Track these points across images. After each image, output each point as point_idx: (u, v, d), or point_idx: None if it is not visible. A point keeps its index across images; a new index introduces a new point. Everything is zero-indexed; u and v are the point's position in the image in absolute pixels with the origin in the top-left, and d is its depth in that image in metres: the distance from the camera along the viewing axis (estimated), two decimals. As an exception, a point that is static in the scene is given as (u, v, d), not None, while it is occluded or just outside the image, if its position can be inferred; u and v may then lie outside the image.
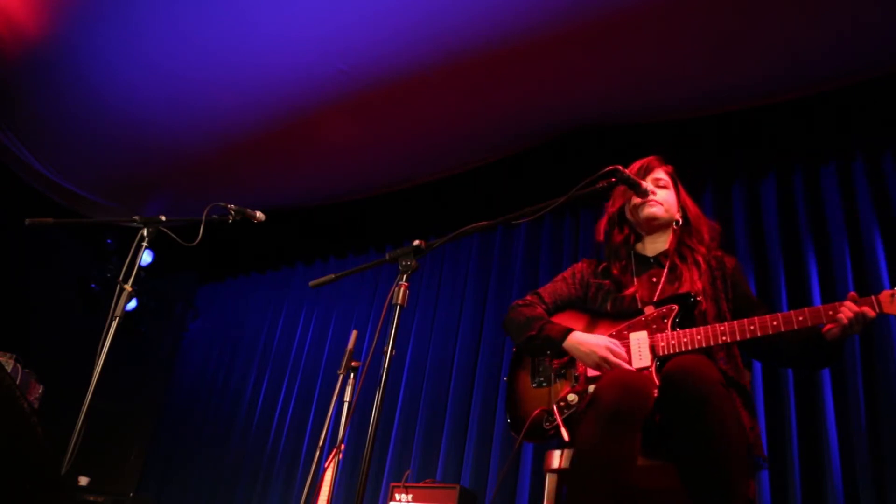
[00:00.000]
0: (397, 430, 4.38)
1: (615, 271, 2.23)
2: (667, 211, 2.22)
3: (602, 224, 2.36)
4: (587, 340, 2.03)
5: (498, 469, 3.77)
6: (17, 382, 3.58)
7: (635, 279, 2.18)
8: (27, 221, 2.54)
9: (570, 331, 2.08)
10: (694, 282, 2.08)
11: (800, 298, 3.31)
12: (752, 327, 1.86)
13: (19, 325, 5.45)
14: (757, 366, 3.26)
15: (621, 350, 2.00)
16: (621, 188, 2.19)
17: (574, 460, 1.79)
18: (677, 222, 2.24)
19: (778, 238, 3.50)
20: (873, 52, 3.39)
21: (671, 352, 1.94)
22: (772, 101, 3.74)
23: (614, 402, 1.72)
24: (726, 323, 1.91)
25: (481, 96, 4.15)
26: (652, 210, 2.20)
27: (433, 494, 3.32)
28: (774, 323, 1.84)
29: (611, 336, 2.06)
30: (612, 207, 2.34)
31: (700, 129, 3.95)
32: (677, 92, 3.90)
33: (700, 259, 2.16)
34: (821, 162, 3.55)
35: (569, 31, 3.53)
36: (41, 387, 3.97)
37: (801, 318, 1.82)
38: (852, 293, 1.83)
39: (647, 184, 2.10)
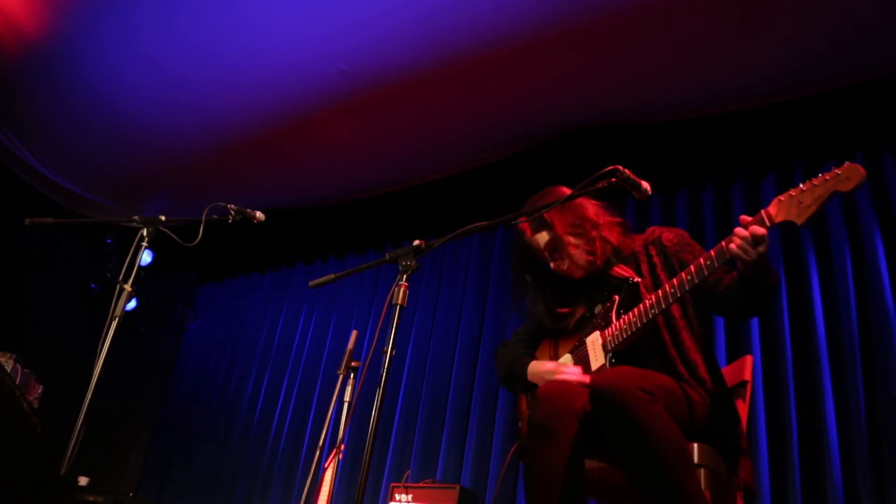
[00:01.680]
0: (397, 430, 4.38)
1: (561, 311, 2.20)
2: (579, 254, 2.10)
3: (516, 295, 2.28)
4: (540, 367, 2.11)
5: (498, 469, 3.77)
6: (17, 382, 3.58)
7: (582, 302, 2.17)
8: (27, 221, 2.53)
9: (528, 363, 2.16)
10: (625, 271, 2.07)
11: (800, 299, 3.31)
12: (671, 290, 1.83)
13: (19, 325, 5.46)
14: (758, 367, 3.26)
15: (568, 366, 2.05)
16: (524, 248, 2.18)
17: (523, 478, 1.84)
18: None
19: (778, 238, 3.49)
20: (873, 52, 3.39)
21: (616, 342, 1.95)
22: (772, 100, 3.74)
23: (538, 418, 1.79)
24: (652, 295, 1.88)
25: (481, 96, 4.15)
26: (577, 272, 2.13)
27: (433, 494, 3.32)
28: (688, 277, 1.80)
29: (573, 348, 2.11)
30: (524, 275, 2.23)
31: (699, 129, 3.95)
32: (678, 92, 3.90)
33: (607, 249, 2.09)
34: (821, 162, 3.54)
35: (569, 31, 3.54)
36: (41, 387, 3.96)
37: (707, 263, 1.77)
38: (743, 216, 1.73)
39: (645, 183, 2.05)
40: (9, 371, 3.60)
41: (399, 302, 1.79)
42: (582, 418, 1.77)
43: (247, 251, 5.90)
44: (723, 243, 1.74)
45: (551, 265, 2.16)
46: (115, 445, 5.59)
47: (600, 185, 1.94)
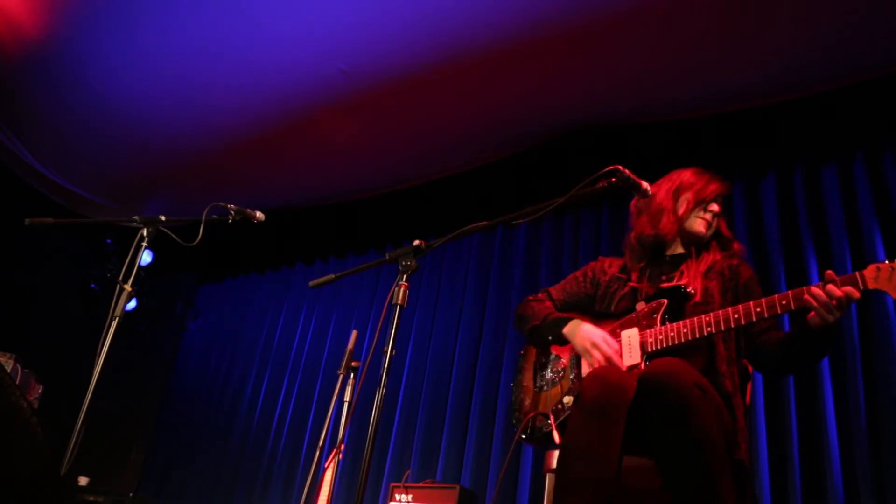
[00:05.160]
0: (397, 430, 4.38)
1: (634, 273, 2.21)
2: (708, 231, 2.20)
3: (645, 227, 2.23)
4: (586, 327, 2.07)
5: (498, 469, 3.77)
6: (17, 382, 3.58)
7: (645, 278, 2.18)
8: (27, 221, 2.54)
9: (571, 318, 2.13)
10: (693, 278, 2.07)
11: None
12: (735, 315, 1.83)
13: (19, 325, 5.45)
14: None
15: (615, 344, 2.01)
16: (686, 196, 2.20)
17: (560, 455, 1.80)
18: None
19: (778, 238, 3.49)
20: (873, 52, 3.39)
21: (659, 347, 1.94)
22: (772, 100, 3.74)
23: (594, 397, 1.76)
24: (711, 313, 1.88)
25: (481, 96, 4.15)
26: (703, 229, 2.17)
27: (433, 494, 3.32)
28: (758, 309, 1.80)
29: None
30: (670, 221, 2.19)
31: (700, 129, 3.95)
32: (678, 92, 3.90)
33: (710, 261, 2.14)
34: (821, 162, 3.54)
35: (568, 30, 3.53)
36: (41, 387, 3.97)
37: (783, 303, 1.77)
38: (829, 272, 1.74)
39: (645, 183, 2.04)
40: (9, 371, 3.60)
41: (399, 302, 1.79)
42: (629, 409, 1.77)
43: (247, 251, 5.90)
44: (804, 289, 1.75)
45: (705, 216, 2.18)
46: (115, 445, 5.59)
47: (600, 184, 1.94)
